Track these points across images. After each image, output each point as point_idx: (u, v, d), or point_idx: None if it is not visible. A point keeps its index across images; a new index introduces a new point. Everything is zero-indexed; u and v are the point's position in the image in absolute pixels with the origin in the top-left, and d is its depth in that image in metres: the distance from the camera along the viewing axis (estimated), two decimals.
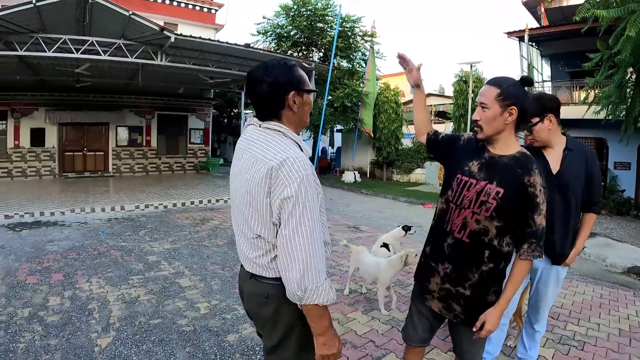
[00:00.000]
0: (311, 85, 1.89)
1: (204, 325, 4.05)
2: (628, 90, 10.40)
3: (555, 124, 2.80)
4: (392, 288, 4.54)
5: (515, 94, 1.98)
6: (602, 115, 11.24)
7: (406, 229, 5.94)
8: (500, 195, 1.96)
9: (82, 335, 3.75)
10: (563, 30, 15.19)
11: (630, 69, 10.03)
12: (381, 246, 5.94)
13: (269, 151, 1.62)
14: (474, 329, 2.04)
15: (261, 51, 13.02)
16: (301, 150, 1.69)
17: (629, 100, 10.37)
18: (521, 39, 15.71)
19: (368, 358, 3.47)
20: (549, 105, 2.76)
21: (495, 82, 2.04)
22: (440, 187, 2.30)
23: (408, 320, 2.41)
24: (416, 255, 3.93)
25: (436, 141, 2.39)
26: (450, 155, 2.27)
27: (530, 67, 14.02)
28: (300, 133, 1.91)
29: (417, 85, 2.48)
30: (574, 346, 3.81)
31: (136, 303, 4.57)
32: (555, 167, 2.78)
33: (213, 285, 5.19)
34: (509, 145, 2.06)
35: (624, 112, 10.65)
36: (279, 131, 1.70)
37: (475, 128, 2.08)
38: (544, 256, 2.09)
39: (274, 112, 1.73)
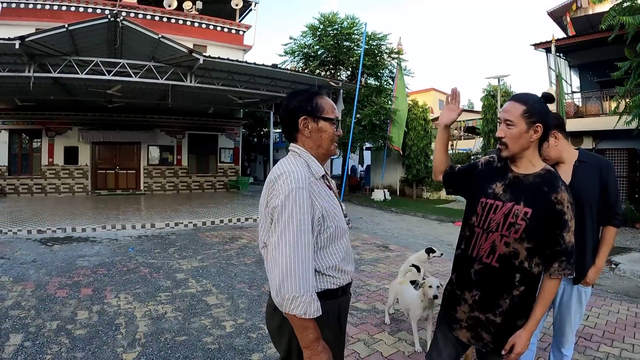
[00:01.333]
0: (336, 112, 1.94)
1: (228, 343, 4.00)
2: None
3: (563, 139, 2.75)
4: (430, 323, 3.94)
5: (540, 111, 1.95)
6: (633, 125, 10.93)
7: (429, 251, 5.88)
8: (528, 216, 1.90)
9: (108, 350, 3.75)
10: (590, 39, 14.94)
11: None
12: (411, 265, 5.87)
13: (277, 168, 1.78)
14: (503, 352, 1.96)
15: (288, 71, 13.16)
16: (309, 169, 1.81)
17: None
18: (548, 50, 15.48)
19: None
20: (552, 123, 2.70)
21: (520, 98, 1.99)
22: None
23: (432, 345, 2.32)
24: (431, 286, 3.64)
25: (453, 173, 2.34)
26: (469, 183, 2.21)
27: (558, 78, 13.75)
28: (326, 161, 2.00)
29: (447, 126, 2.41)
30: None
31: (163, 320, 4.56)
32: (566, 180, 2.68)
33: (240, 304, 5.15)
34: (533, 164, 2.01)
35: None
36: (296, 152, 1.87)
37: (499, 146, 2.02)
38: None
39: (291, 135, 1.91)
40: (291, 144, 1.91)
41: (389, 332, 4.36)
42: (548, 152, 2.71)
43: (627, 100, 11.36)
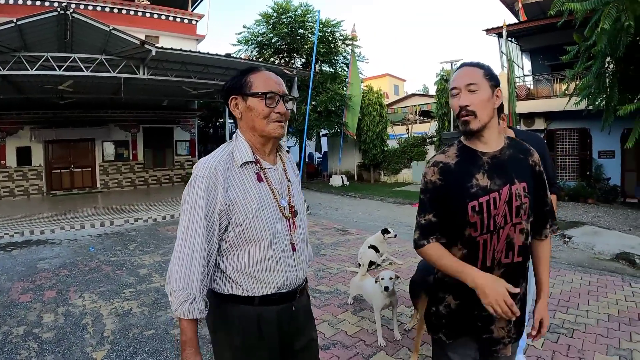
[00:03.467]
0: (271, 86, 1.65)
1: None
2: (607, 80, 10.61)
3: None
4: (395, 309, 3.98)
5: (495, 75, 1.77)
6: (582, 106, 11.45)
7: (384, 232, 6.23)
8: (527, 190, 1.71)
9: (78, 350, 3.79)
10: (540, 24, 15.40)
11: (608, 59, 10.24)
12: (369, 247, 6.18)
13: None
14: (534, 331, 1.83)
15: (242, 60, 13.08)
16: (232, 155, 1.64)
17: (608, 89, 10.58)
18: (499, 35, 15.90)
19: (359, 357, 3.55)
20: None
21: (474, 63, 1.78)
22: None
23: None
24: (383, 278, 3.78)
25: (438, 224, 1.78)
26: (446, 200, 1.75)
27: (510, 62, 14.21)
28: (267, 145, 1.73)
29: None
30: (563, 334, 3.87)
31: (129, 316, 4.61)
32: None
33: None
34: (500, 135, 1.80)
35: (603, 102, 10.87)
36: (232, 139, 1.73)
37: (465, 118, 1.70)
38: None
39: (234, 120, 1.75)
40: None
41: (352, 312, 4.56)
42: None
43: (576, 82, 11.84)
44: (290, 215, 1.73)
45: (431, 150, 19.57)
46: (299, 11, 20.23)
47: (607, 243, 7.47)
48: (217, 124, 29.57)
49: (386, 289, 3.72)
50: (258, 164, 1.67)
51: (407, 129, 22.99)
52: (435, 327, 1.87)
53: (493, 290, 1.57)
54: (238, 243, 1.60)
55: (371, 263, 6.03)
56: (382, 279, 3.78)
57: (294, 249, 1.72)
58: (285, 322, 1.71)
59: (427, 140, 20.30)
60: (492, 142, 1.75)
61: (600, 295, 4.95)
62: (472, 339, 1.79)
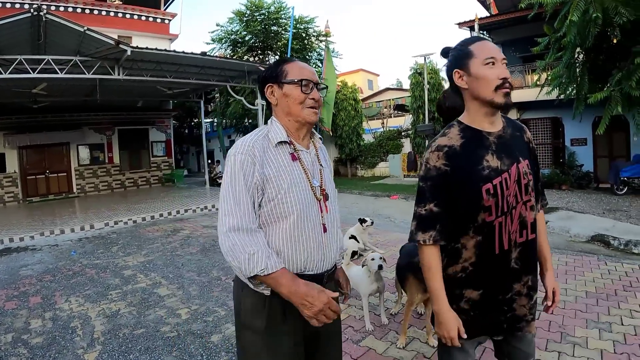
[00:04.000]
0: (306, 74, 1.75)
1: (187, 329, 4.14)
2: (577, 70, 10.91)
3: None
4: (382, 295, 4.11)
5: None
6: (554, 96, 11.75)
7: (361, 221, 6.41)
8: (530, 167, 1.73)
9: (69, 353, 3.79)
10: (511, 17, 15.72)
11: (578, 49, 10.53)
12: (350, 238, 6.33)
13: None
14: (549, 303, 1.91)
15: (217, 58, 13.07)
16: (267, 136, 1.71)
17: (578, 79, 10.88)
18: (472, 28, 16.19)
19: (349, 342, 3.63)
20: None
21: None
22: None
23: None
24: (373, 259, 3.84)
25: (440, 214, 1.70)
26: (453, 186, 1.69)
27: None
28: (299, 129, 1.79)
29: None
30: (543, 311, 4.02)
31: (118, 316, 4.61)
32: None
33: (191, 292, 5.27)
34: (499, 115, 1.77)
35: (574, 91, 11.17)
36: (267, 123, 1.80)
37: (508, 89, 1.64)
38: None
39: (270, 108, 1.84)
40: None
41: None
42: None
43: (548, 72, 12.18)
44: (321, 197, 1.77)
45: (407, 143, 19.78)
46: (272, 8, 20.17)
47: (582, 226, 7.71)
48: (192, 124, 29.39)
49: (380, 267, 3.79)
50: (292, 145, 1.74)
51: (383, 123, 23.21)
52: None
53: (450, 328, 1.68)
54: (270, 220, 1.64)
55: (354, 253, 6.15)
56: (373, 259, 3.85)
57: (325, 230, 1.74)
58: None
59: (403, 133, 20.54)
60: (497, 121, 1.73)
61: (578, 275, 5.14)
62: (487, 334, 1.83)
